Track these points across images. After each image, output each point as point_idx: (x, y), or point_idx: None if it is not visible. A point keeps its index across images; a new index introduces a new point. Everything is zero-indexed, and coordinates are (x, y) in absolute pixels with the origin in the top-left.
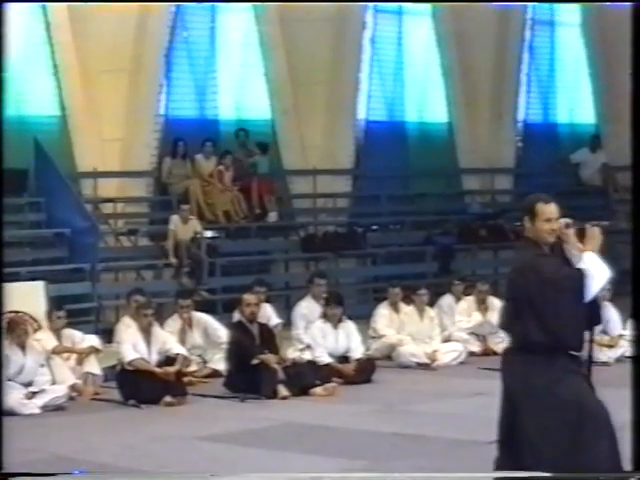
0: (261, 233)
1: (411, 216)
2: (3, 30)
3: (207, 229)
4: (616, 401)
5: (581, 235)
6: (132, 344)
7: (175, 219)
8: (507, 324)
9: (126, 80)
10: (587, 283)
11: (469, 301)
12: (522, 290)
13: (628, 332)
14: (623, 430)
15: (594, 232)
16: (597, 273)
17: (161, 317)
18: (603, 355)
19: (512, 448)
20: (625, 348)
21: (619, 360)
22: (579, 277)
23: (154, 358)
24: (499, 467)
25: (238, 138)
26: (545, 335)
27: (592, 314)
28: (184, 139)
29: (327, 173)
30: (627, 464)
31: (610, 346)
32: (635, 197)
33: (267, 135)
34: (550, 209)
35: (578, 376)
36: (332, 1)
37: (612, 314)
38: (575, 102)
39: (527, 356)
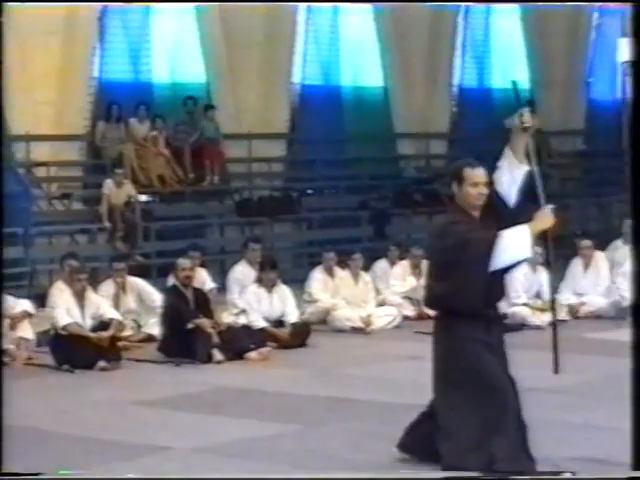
0: (196, 197)
1: (346, 181)
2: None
3: (141, 193)
4: (547, 364)
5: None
6: (66, 309)
7: (109, 183)
8: (425, 287)
9: (59, 42)
10: (496, 252)
11: (403, 265)
12: (433, 253)
13: (561, 296)
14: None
15: (544, 212)
16: (511, 247)
17: (95, 282)
18: (536, 319)
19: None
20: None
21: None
22: (488, 242)
23: (88, 323)
24: (410, 431)
25: (186, 106)
26: (448, 299)
27: (498, 285)
28: (118, 102)
29: (262, 137)
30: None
31: (543, 310)
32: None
33: (202, 99)
34: (477, 173)
35: (482, 345)
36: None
37: (545, 279)
38: (510, 67)
39: (435, 321)
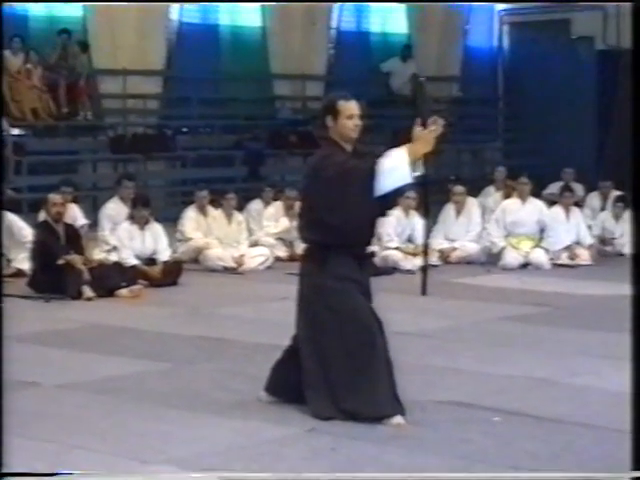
0: (69, 132)
1: (221, 120)
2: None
3: (14, 127)
4: (417, 308)
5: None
6: None
7: None
8: (303, 224)
9: None
10: (377, 177)
11: (277, 206)
12: (314, 188)
13: (432, 241)
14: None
15: (422, 134)
16: (391, 172)
17: None
18: (408, 263)
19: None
20: (429, 257)
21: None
22: (368, 169)
23: None
24: (274, 373)
25: (60, 39)
26: (317, 232)
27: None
28: None
29: (137, 74)
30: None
31: (414, 254)
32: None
33: (78, 33)
34: (351, 105)
35: (352, 284)
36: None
37: (417, 223)
38: (388, 11)
39: (304, 258)
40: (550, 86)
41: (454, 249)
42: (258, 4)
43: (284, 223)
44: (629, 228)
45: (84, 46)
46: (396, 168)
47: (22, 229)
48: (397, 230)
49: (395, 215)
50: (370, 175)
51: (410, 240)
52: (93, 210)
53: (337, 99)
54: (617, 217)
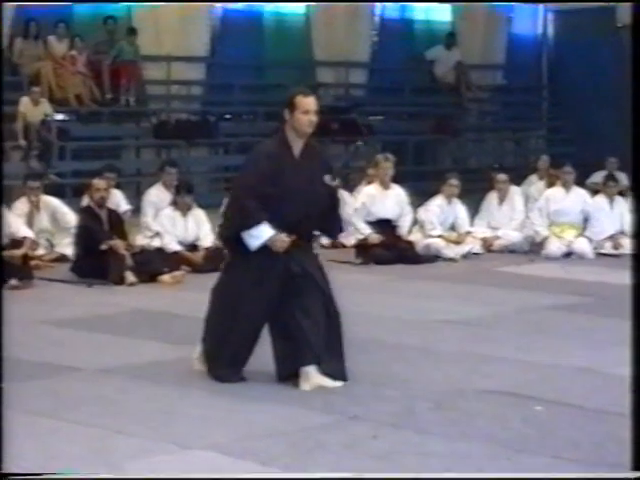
0: (113, 118)
1: (264, 106)
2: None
3: (58, 112)
4: (460, 296)
5: None
6: None
7: (25, 101)
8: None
9: None
10: (245, 228)
11: None
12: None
13: (475, 229)
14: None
15: (279, 240)
16: (250, 236)
17: (9, 200)
18: (450, 251)
19: None
20: (472, 245)
21: (465, 257)
22: (245, 219)
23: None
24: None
25: (106, 25)
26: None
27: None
28: (36, 19)
29: (181, 60)
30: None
31: (457, 242)
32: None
33: (122, 20)
34: (309, 101)
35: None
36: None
37: (460, 211)
38: None
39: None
40: (595, 74)
41: (497, 237)
42: None
43: None
44: None
45: (132, 32)
46: (254, 238)
47: (66, 214)
48: (440, 218)
49: (438, 203)
50: (244, 225)
51: (453, 228)
52: (136, 196)
53: (296, 94)
54: None
